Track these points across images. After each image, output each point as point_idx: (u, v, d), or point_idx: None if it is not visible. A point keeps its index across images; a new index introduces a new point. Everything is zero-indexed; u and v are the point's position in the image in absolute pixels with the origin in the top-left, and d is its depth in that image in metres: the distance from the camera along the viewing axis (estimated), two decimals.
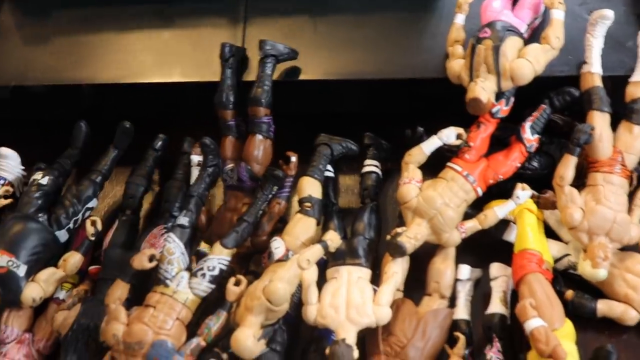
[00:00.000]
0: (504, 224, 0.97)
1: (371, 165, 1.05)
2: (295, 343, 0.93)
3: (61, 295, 0.99)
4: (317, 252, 0.88)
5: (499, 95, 0.96)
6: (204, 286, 0.90)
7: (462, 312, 0.93)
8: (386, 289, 0.89)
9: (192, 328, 0.90)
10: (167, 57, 1.11)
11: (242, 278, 0.90)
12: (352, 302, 0.87)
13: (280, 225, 1.00)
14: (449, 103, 0.97)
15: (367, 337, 0.91)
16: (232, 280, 0.90)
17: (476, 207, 0.98)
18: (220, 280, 0.91)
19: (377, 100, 1.11)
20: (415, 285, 0.96)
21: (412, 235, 0.91)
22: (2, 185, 1.07)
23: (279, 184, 0.99)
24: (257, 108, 1.01)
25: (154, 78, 1.09)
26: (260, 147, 1.01)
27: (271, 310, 0.84)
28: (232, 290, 0.89)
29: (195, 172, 1.04)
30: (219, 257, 0.91)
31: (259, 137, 1.01)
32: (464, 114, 0.96)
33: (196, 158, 1.05)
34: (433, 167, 0.98)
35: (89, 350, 0.90)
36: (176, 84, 1.09)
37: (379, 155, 1.06)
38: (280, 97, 1.03)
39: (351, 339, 0.84)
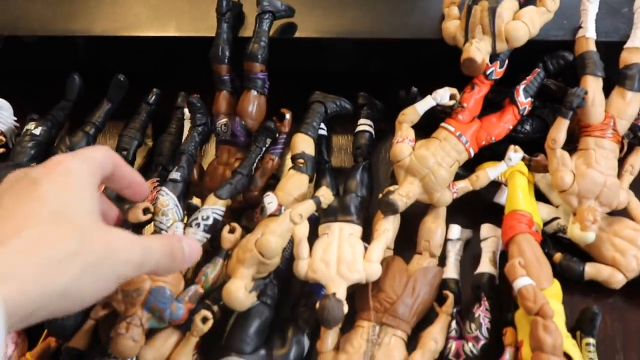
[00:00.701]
0: (495, 186, 0.98)
1: (365, 125, 1.05)
2: (286, 298, 0.93)
3: None
4: (309, 207, 0.88)
5: (494, 57, 0.96)
6: (199, 236, 0.90)
7: (451, 271, 0.94)
8: (377, 245, 0.89)
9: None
10: (162, 11, 1.10)
11: (237, 225, 0.91)
12: (343, 257, 0.87)
13: (272, 182, 1.00)
14: (444, 64, 0.97)
15: (357, 293, 0.92)
16: (227, 227, 0.90)
17: (468, 169, 0.98)
18: (215, 231, 0.92)
19: (372, 60, 1.11)
20: (406, 244, 0.97)
21: (404, 194, 0.91)
22: None
23: (272, 136, 0.99)
24: (253, 64, 1.00)
25: (149, 31, 1.08)
26: (254, 102, 1.01)
27: (263, 263, 0.84)
28: (227, 237, 0.90)
29: (187, 125, 1.04)
30: (212, 207, 0.92)
31: (254, 92, 1.01)
32: (459, 75, 0.95)
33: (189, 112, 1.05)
34: (426, 128, 0.98)
35: None
36: (171, 38, 1.08)
37: (373, 115, 1.06)
38: (274, 54, 1.02)
39: (341, 293, 0.85)
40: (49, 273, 0.55)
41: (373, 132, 1.04)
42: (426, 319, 0.91)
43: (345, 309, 0.84)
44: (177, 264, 0.71)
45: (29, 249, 0.55)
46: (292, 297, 0.94)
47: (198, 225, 0.90)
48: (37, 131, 1.02)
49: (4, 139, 1.07)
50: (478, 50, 0.92)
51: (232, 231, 0.91)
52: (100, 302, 0.89)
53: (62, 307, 0.58)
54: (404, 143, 0.95)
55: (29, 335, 0.95)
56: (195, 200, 1.01)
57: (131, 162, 1.05)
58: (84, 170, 0.65)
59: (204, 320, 0.86)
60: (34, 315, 0.57)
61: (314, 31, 1.06)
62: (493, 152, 0.98)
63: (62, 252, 0.56)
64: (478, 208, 0.99)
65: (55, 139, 1.06)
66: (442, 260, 0.96)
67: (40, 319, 0.58)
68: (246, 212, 1.01)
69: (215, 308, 0.88)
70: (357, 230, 0.93)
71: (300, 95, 1.04)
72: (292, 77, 1.06)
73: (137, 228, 0.92)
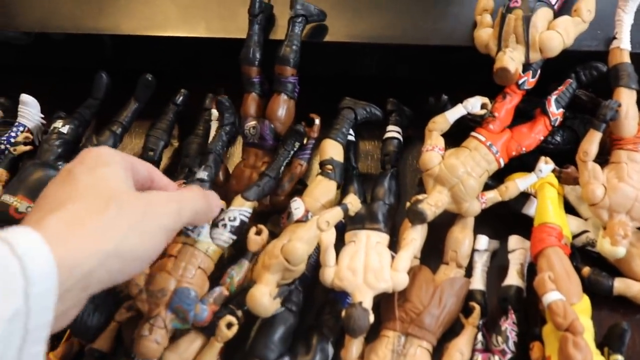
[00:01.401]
0: (524, 197, 0.97)
1: (393, 132, 1.04)
2: (311, 305, 0.92)
3: None
4: (336, 214, 0.87)
5: (526, 66, 0.95)
6: (225, 236, 0.89)
7: (478, 282, 0.93)
8: (404, 255, 0.88)
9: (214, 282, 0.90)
10: (191, 11, 1.09)
11: (263, 227, 0.90)
12: (370, 266, 0.87)
13: (300, 187, 1.00)
14: (475, 72, 0.96)
15: (383, 303, 0.91)
16: (253, 229, 0.89)
17: (497, 179, 0.97)
18: (241, 233, 0.91)
19: (402, 65, 1.10)
20: (433, 254, 0.96)
21: (433, 203, 0.90)
22: (22, 132, 1.06)
23: (300, 139, 0.98)
24: (285, 67, 1.00)
25: (178, 32, 1.08)
26: (284, 106, 1.00)
27: (288, 269, 0.84)
28: (254, 239, 0.89)
29: (214, 126, 1.03)
30: (239, 208, 0.91)
31: (284, 96, 1.00)
32: (490, 83, 0.94)
33: (216, 112, 1.04)
34: (456, 136, 0.97)
35: (107, 301, 0.89)
36: (200, 39, 1.07)
37: (401, 121, 1.05)
38: (304, 58, 1.02)
39: (367, 302, 0.84)
40: (96, 236, 0.60)
41: (401, 139, 1.04)
42: (452, 330, 0.90)
43: (372, 318, 0.83)
44: (212, 210, 0.82)
45: (74, 219, 0.60)
46: (316, 304, 0.93)
47: (225, 226, 0.90)
48: (65, 129, 1.02)
49: (30, 136, 1.07)
50: (511, 59, 0.91)
51: (258, 233, 0.90)
52: (124, 305, 0.89)
53: (119, 268, 0.64)
54: (433, 151, 0.94)
55: (52, 336, 0.94)
56: (221, 203, 1.00)
57: (157, 163, 1.04)
58: (113, 154, 0.69)
59: (229, 325, 0.85)
60: (94, 277, 0.61)
61: (345, 35, 1.06)
62: (522, 161, 0.97)
63: (105, 218, 0.61)
64: (506, 219, 0.98)
65: (82, 137, 1.05)
66: (468, 271, 0.95)
67: (102, 283, 0.63)
68: (272, 217, 1.00)
69: (240, 313, 0.88)
70: (384, 238, 0.92)
71: (329, 100, 1.04)
72: (321, 82, 1.06)
73: None
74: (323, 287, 0.89)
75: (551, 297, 0.82)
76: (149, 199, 0.67)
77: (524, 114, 0.99)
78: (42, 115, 1.10)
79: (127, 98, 1.07)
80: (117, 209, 0.62)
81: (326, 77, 1.07)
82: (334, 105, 1.03)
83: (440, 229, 0.96)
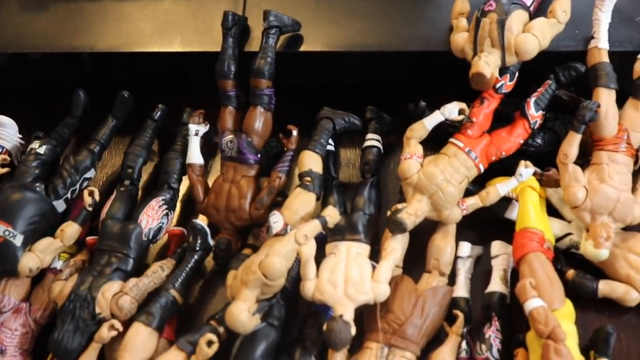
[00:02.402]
0: (505, 201, 0.96)
1: (372, 140, 1.03)
2: (293, 318, 0.92)
3: (58, 265, 0.99)
4: (315, 227, 0.86)
5: (503, 70, 0.94)
6: None
7: (461, 289, 0.92)
8: (385, 265, 0.88)
9: None
10: (167, 26, 1.09)
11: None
12: (350, 278, 0.86)
13: (279, 199, 0.99)
14: (453, 77, 0.95)
15: (365, 314, 0.90)
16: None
17: (478, 184, 0.96)
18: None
19: (379, 72, 1.09)
20: (415, 262, 0.95)
21: (413, 212, 0.90)
22: (0, 153, 1.06)
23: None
24: (260, 80, 0.99)
25: (154, 47, 1.07)
26: (261, 119, 1.00)
27: (267, 284, 0.83)
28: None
29: (193, 141, 1.02)
30: None
31: (260, 109, 1.00)
32: (468, 88, 0.94)
33: (194, 127, 1.03)
34: (435, 142, 0.97)
35: (85, 321, 0.89)
36: (176, 54, 1.07)
37: (381, 129, 1.05)
38: (280, 69, 1.01)
39: (349, 315, 0.83)
40: None
41: (381, 147, 1.03)
42: (436, 338, 0.90)
43: (353, 330, 0.83)
44: None
45: None
46: (299, 317, 0.92)
47: None
48: (42, 150, 1.01)
49: (8, 158, 1.06)
50: (487, 64, 0.90)
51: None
52: (105, 325, 0.89)
53: None
54: (412, 160, 0.93)
55: (34, 358, 0.94)
56: (200, 219, 0.99)
57: (136, 180, 1.04)
58: None
59: (209, 343, 0.85)
60: None
61: (321, 44, 1.05)
62: (504, 165, 0.96)
63: None
64: (488, 224, 0.98)
65: (60, 156, 1.05)
66: (452, 279, 0.94)
67: None
68: (253, 230, 1.00)
69: (221, 330, 0.88)
70: (365, 249, 0.91)
71: (308, 111, 1.03)
72: (299, 92, 1.05)
73: None
74: (306, 300, 0.88)
75: (532, 304, 0.81)
76: None
77: (504, 117, 0.98)
78: (20, 136, 1.09)
79: (106, 115, 1.06)
80: None
81: (304, 87, 1.07)
82: (312, 116, 1.03)
83: (422, 236, 0.96)
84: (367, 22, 1.06)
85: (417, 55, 1.04)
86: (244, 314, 0.82)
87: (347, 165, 1.08)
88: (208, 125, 1.04)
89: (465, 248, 0.95)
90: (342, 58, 1.06)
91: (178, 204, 1.04)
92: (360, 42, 1.04)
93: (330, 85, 1.09)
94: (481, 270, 0.96)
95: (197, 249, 0.96)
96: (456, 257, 0.95)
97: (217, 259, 0.98)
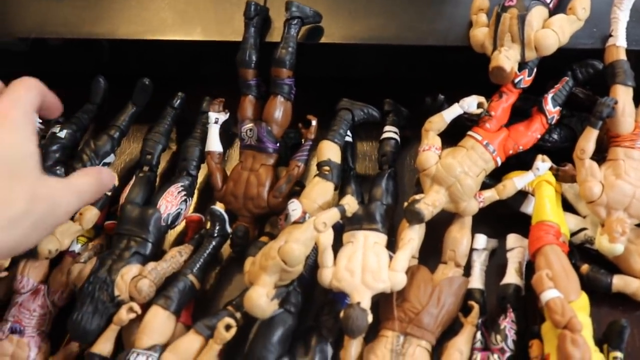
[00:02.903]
0: (521, 195, 0.97)
1: (390, 132, 1.04)
2: (310, 305, 0.92)
3: (76, 248, 0.99)
4: (334, 215, 0.87)
5: (522, 65, 0.95)
6: None
7: (476, 281, 0.93)
8: (402, 255, 0.88)
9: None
10: (188, 15, 1.09)
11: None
12: (367, 266, 0.87)
13: (297, 189, 1.00)
14: (471, 71, 0.96)
15: (381, 303, 0.91)
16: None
17: (495, 178, 0.97)
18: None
19: (398, 66, 1.10)
20: (431, 253, 0.96)
21: (430, 202, 0.90)
22: None
23: None
24: (281, 69, 1.00)
25: (175, 35, 1.08)
26: (281, 108, 1.01)
27: (285, 270, 0.84)
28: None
29: (213, 129, 1.03)
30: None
31: (281, 98, 1.01)
32: (486, 82, 0.94)
33: (213, 115, 1.04)
34: (452, 136, 0.97)
35: (104, 303, 0.90)
36: (197, 42, 1.07)
37: (398, 122, 1.06)
38: (300, 60, 1.02)
39: (366, 303, 0.84)
40: (2, 233, 0.60)
41: (398, 139, 1.04)
42: (451, 329, 0.90)
43: (370, 318, 0.83)
44: (105, 191, 0.86)
45: None
46: (315, 305, 0.93)
47: None
48: (62, 134, 1.02)
49: None
50: (507, 58, 0.91)
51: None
52: (124, 307, 0.89)
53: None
54: (430, 151, 0.94)
55: (51, 340, 0.95)
56: (219, 206, 1.00)
57: (156, 166, 1.05)
58: (27, 121, 0.68)
59: (227, 327, 0.85)
60: None
61: (341, 37, 1.05)
62: (520, 159, 0.97)
63: (14, 211, 0.60)
64: (504, 217, 0.98)
65: (80, 142, 1.06)
66: (467, 270, 0.95)
67: None
68: (270, 218, 1.00)
69: (238, 315, 0.88)
70: (382, 238, 0.92)
71: (327, 102, 1.04)
72: (318, 83, 1.06)
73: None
74: (322, 288, 0.89)
75: (549, 294, 0.82)
76: (55, 195, 0.66)
77: (521, 113, 0.99)
78: (40, 121, 1.10)
79: (125, 102, 1.07)
80: (26, 203, 0.62)
81: (323, 78, 1.07)
82: (331, 107, 1.04)
83: (438, 228, 0.96)
84: (386, 16, 1.06)
85: (435, 50, 1.05)
86: (262, 298, 0.83)
87: (363, 158, 1.09)
88: (228, 114, 1.05)
89: (481, 240, 0.95)
90: (361, 50, 1.06)
91: (196, 191, 1.04)
92: (379, 35, 1.05)
93: (348, 78, 1.10)
94: (496, 262, 0.96)
95: (215, 235, 0.96)
96: (472, 250, 0.95)
97: (234, 246, 0.99)
